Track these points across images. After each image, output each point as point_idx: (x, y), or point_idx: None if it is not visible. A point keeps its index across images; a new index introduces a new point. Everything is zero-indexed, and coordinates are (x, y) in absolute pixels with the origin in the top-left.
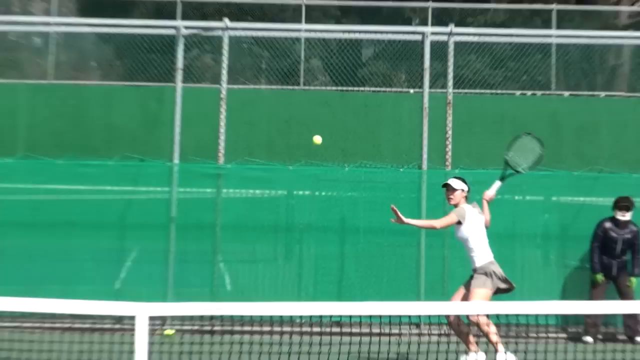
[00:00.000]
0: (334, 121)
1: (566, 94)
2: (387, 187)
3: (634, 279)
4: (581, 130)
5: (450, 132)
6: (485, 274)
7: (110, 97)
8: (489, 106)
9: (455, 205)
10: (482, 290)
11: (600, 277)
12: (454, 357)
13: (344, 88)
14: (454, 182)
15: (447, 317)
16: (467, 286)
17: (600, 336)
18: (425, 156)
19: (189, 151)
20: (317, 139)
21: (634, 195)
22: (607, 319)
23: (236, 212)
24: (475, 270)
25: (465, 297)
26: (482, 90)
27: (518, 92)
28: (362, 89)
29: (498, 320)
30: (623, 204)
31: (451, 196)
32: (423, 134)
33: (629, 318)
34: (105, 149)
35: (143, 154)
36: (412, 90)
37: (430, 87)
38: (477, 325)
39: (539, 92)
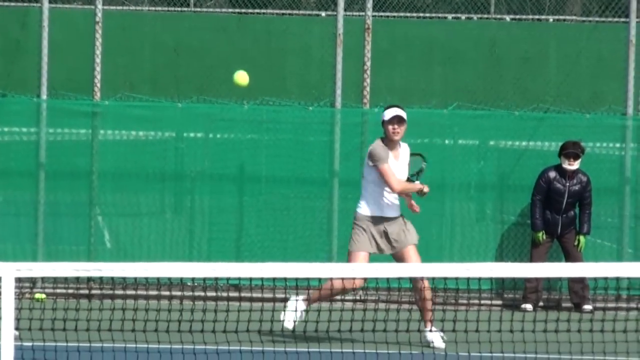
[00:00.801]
0: (231, 50)
1: (508, 18)
2: (293, 128)
3: (582, 238)
4: (525, 61)
5: (368, 64)
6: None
7: None
8: (415, 32)
9: (392, 142)
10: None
11: (541, 235)
12: (371, 326)
13: (243, 10)
14: (404, 113)
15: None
16: (388, 242)
17: (541, 303)
18: (338, 92)
19: (59, 85)
20: (241, 78)
21: (586, 140)
22: (550, 284)
23: (116, 157)
24: (402, 217)
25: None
26: (408, 14)
27: (450, 16)
28: (264, 11)
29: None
30: (571, 150)
31: (400, 130)
32: (336, 66)
33: (576, 283)
34: None
35: (4, 88)
36: (323, 14)
37: (345, 10)
38: (423, 292)
39: (475, 16)
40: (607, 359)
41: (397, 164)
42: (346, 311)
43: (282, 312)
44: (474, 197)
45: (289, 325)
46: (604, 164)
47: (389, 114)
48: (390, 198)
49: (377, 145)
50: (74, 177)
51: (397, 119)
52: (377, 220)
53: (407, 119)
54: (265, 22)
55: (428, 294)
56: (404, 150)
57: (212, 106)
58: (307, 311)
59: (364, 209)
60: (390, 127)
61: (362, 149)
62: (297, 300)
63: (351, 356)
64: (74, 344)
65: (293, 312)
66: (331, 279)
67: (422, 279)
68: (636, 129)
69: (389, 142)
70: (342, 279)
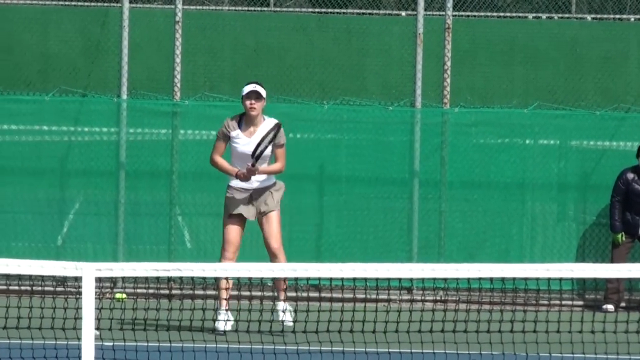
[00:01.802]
0: (311, 50)
1: (589, 17)
2: (373, 128)
3: None
4: (606, 61)
5: (449, 64)
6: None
7: (46, 19)
8: (496, 32)
9: (249, 117)
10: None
11: (621, 237)
12: (452, 326)
13: (323, 10)
14: (261, 89)
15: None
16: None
17: (623, 304)
18: (419, 92)
19: (139, 85)
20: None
21: None
22: (632, 284)
23: (196, 156)
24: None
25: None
26: (488, 13)
27: (531, 16)
28: (344, 11)
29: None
30: None
31: (256, 106)
32: (417, 66)
33: None
34: (40, 81)
35: (85, 88)
36: (403, 13)
37: (426, 9)
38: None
39: (556, 16)
40: None
41: (249, 140)
42: (427, 311)
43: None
44: (554, 197)
45: (220, 326)
46: None
47: (247, 89)
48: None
49: (226, 121)
50: (154, 177)
51: (255, 94)
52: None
53: (488, 118)
54: (345, 22)
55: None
56: (265, 125)
57: (292, 106)
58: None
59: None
60: (247, 102)
61: (442, 149)
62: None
63: (432, 357)
64: (154, 344)
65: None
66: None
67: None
68: None
69: (247, 117)
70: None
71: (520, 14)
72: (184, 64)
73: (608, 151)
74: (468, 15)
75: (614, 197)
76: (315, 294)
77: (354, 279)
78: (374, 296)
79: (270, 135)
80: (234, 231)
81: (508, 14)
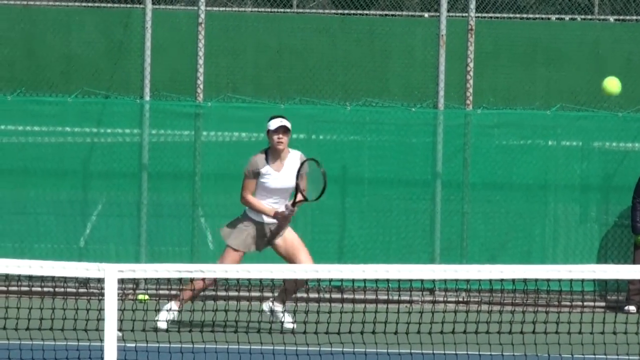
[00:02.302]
0: (334, 51)
1: (611, 19)
2: (396, 129)
3: None
4: (629, 62)
5: (471, 65)
6: None
7: (68, 21)
8: (519, 33)
9: (276, 151)
10: None
11: None
12: (474, 327)
13: (346, 11)
14: (289, 123)
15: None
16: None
17: None
18: (441, 93)
19: (162, 86)
20: (613, 84)
21: None
22: None
23: (219, 158)
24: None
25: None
26: (511, 15)
27: (554, 17)
28: (367, 12)
29: (525, 286)
30: None
31: (284, 140)
32: (439, 67)
33: None
34: (62, 82)
35: (107, 89)
36: (426, 15)
37: (449, 11)
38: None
39: (579, 17)
40: None
41: (279, 175)
42: (449, 312)
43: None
44: (577, 198)
45: (162, 325)
46: None
47: (274, 124)
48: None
49: (254, 157)
50: (177, 179)
51: (283, 129)
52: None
53: (510, 120)
54: (368, 23)
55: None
56: (292, 158)
57: (314, 107)
58: (180, 311)
59: (250, 211)
60: (275, 136)
61: (464, 150)
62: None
63: (454, 357)
64: (176, 345)
65: (166, 312)
66: (192, 279)
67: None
68: None
69: (274, 151)
70: (203, 279)
71: (543, 16)
72: (206, 65)
73: (630, 152)
74: (491, 17)
75: (636, 198)
76: (338, 295)
77: (376, 280)
78: (396, 297)
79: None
80: (235, 262)
81: (531, 16)
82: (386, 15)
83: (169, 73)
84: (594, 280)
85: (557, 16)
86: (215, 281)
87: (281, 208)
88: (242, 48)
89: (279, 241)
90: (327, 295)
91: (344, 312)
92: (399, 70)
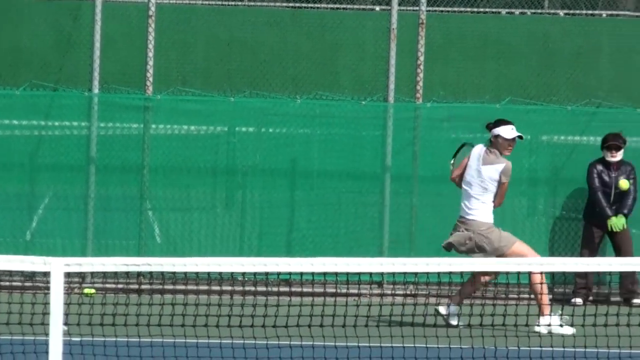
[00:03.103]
0: (284, 44)
1: (561, 13)
2: (346, 122)
3: (622, 218)
4: (578, 56)
5: (422, 59)
6: None
7: (16, 12)
8: (469, 27)
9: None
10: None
11: (616, 220)
12: (421, 320)
13: (297, 5)
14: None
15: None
16: None
17: (591, 298)
18: (392, 87)
19: (111, 79)
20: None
21: (638, 134)
22: (600, 278)
23: (167, 151)
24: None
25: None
26: (461, 9)
27: (504, 11)
28: (318, 5)
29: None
30: (612, 142)
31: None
32: (390, 61)
33: (625, 277)
34: (10, 75)
35: (56, 82)
36: (377, 8)
37: (400, 4)
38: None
39: (529, 11)
40: None
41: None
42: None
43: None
44: (525, 191)
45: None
46: None
47: (510, 133)
48: None
49: (509, 163)
50: (125, 172)
51: (514, 140)
52: None
53: (460, 113)
54: (319, 17)
55: (537, 287)
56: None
57: (264, 100)
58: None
59: (489, 216)
60: (508, 145)
61: (414, 144)
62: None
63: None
64: (123, 339)
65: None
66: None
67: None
68: None
69: (495, 152)
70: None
71: (494, 10)
72: (156, 58)
73: (579, 146)
74: (441, 11)
75: (593, 186)
76: (286, 289)
77: (325, 274)
78: (344, 290)
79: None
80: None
81: (481, 10)
82: (337, 8)
83: (118, 66)
84: (541, 273)
85: (507, 10)
86: (496, 276)
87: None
88: (192, 41)
89: None
90: (275, 289)
91: (291, 305)
92: (350, 63)
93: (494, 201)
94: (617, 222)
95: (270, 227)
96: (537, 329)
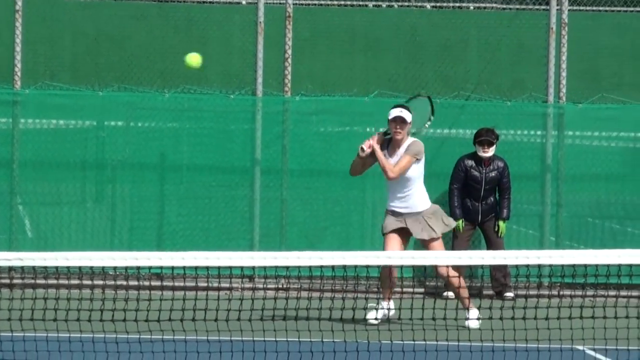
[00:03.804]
0: (152, 38)
1: (428, 6)
2: (215, 116)
3: (502, 223)
4: (446, 49)
5: (289, 52)
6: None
7: None
8: (336, 20)
9: (394, 140)
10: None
11: (461, 224)
12: (293, 314)
13: None
14: (407, 114)
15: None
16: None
17: None
18: (260, 80)
19: None
20: (193, 59)
21: (508, 127)
22: (472, 272)
23: (37, 145)
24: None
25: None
26: (328, 2)
27: (371, 4)
28: None
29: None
30: (484, 138)
31: (401, 130)
32: (257, 54)
33: (498, 270)
34: None
35: None
36: (244, 1)
37: None
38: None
39: (396, 4)
40: (529, 346)
41: (391, 161)
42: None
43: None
44: None
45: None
46: (525, 151)
47: (393, 113)
48: None
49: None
50: None
51: (400, 120)
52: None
53: (329, 107)
54: (186, 10)
55: (454, 280)
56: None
57: (132, 94)
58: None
59: (428, 202)
60: (392, 125)
61: (283, 137)
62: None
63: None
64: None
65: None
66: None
67: (446, 266)
68: (557, 116)
69: (393, 140)
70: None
71: (361, 3)
72: (24, 52)
73: (448, 139)
74: (308, 4)
75: (453, 184)
76: (158, 283)
77: (196, 268)
78: (216, 284)
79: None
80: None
81: (348, 2)
82: (204, 2)
83: None
84: (413, 267)
85: (374, 3)
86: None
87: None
88: (59, 35)
89: (422, 241)
90: (146, 283)
91: (163, 299)
92: (217, 57)
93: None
94: (502, 229)
95: (141, 221)
96: (467, 323)
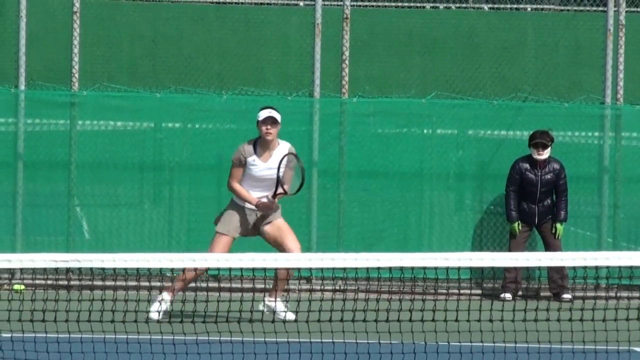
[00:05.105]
0: (209, 40)
1: (486, 7)
2: None
3: (559, 226)
4: (503, 51)
5: (347, 54)
6: None
7: None
8: (394, 22)
9: (265, 141)
10: None
11: (517, 226)
12: (351, 316)
13: (221, 0)
14: (277, 115)
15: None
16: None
17: (520, 293)
18: (317, 82)
19: (37, 75)
20: None
21: (565, 129)
22: (529, 273)
23: (94, 147)
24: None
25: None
26: (386, 3)
27: (429, 6)
28: (242, 1)
29: (402, 274)
30: (538, 140)
31: (272, 131)
32: (315, 56)
33: (555, 272)
34: None
35: None
36: (302, 3)
37: (324, 0)
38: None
39: (453, 6)
40: (586, 347)
41: (265, 165)
42: (326, 301)
43: (148, 304)
44: (452, 186)
45: (154, 316)
46: (583, 153)
47: (263, 114)
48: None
49: (241, 147)
50: (52, 168)
51: (271, 120)
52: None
53: (386, 108)
54: (244, 12)
55: (282, 273)
56: (280, 150)
57: (190, 96)
58: (172, 301)
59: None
60: (263, 127)
61: (340, 139)
62: (161, 295)
63: (331, 346)
64: (53, 335)
65: (158, 303)
66: (184, 269)
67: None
68: (614, 117)
69: (263, 142)
70: (195, 268)
71: (418, 4)
72: (81, 54)
73: (505, 140)
74: (366, 5)
75: (509, 187)
76: (215, 284)
77: (253, 269)
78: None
79: (285, 161)
80: (224, 247)
81: (406, 4)
82: (261, 3)
83: (44, 62)
84: (470, 268)
85: (431, 5)
86: (206, 270)
87: (264, 198)
88: (117, 37)
89: (266, 228)
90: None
91: (221, 300)
92: (275, 59)
93: (248, 186)
94: (559, 231)
95: (198, 223)
96: (261, 307)
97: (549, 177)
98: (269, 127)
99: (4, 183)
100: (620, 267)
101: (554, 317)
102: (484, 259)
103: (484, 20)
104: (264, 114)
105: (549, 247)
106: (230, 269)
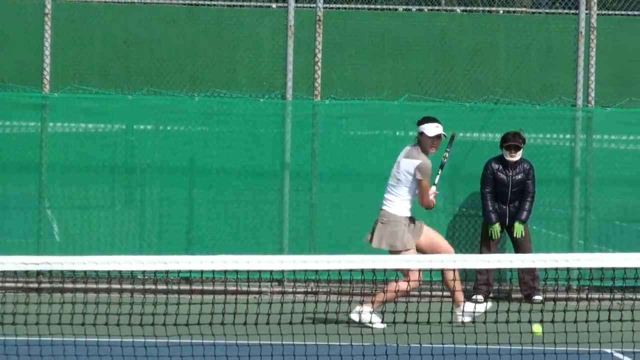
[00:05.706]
0: (181, 41)
1: (458, 10)
2: (244, 120)
3: (519, 225)
4: (475, 53)
5: (319, 56)
6: None
7: None
8: (367, 24)
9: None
10: None
11: (497, 228)
12: (323, 317)
13: (193, 2)
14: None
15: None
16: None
17: (492, 295)
18: (290, 84)
19: (8, 77)
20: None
21: (537, 131)
22: (500, 275)
23: (65, 149)
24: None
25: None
26: (358, 5)
27: (401, 8)
28: (214, 2)
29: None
30: (511, 142)
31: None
32: (287, 58)
33: (526, 274)
34: None
35: None
36: (274, 5)
37: (296, 2)
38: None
39: (426, 8)
40: (558, 349)
41: None
42: (298, 303)
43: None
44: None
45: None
46: (554, 155)
47: (433, 131)
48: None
49: (428, 161)
50: (23, 170)
51: (439, 138)
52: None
53: (359, 110)
54: (216, 14)
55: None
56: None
57: (162, 98)
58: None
59: (402, 210)
60: (431, 142)
61: (313, 141)
62: (361, 312)
63: (303, 348)
64: (23, 338)
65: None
66: (396, 280)
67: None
68: (585, 120)
69: (424, 152)
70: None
71: (391, 6)
72: (53, 56)
73: (477, 142)
74: (338, 8)
75: (484, 188)
76: (186, 287)
77: (225, 271)
78: (245, 288)
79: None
80: None
81: (378, 6)
82: (234, 5)
83: (14, 64)
84: (441, 270)
85: (404, 7)
86: (420, 283)
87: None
88: (88, 38)
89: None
90: (175, 287)
91: (192, 303)
92: (247, 61)
93: (411, 198)
94: (517, 230)
95: (170, 225)
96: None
97: (520, 177)
98: (436, 142)
99: None
100: (591, 269)
101: (525, 319)
102: (456, 261)
103: (456, 23)
104: (434, 131)
105: (518, 248)
106: (202, 271)
